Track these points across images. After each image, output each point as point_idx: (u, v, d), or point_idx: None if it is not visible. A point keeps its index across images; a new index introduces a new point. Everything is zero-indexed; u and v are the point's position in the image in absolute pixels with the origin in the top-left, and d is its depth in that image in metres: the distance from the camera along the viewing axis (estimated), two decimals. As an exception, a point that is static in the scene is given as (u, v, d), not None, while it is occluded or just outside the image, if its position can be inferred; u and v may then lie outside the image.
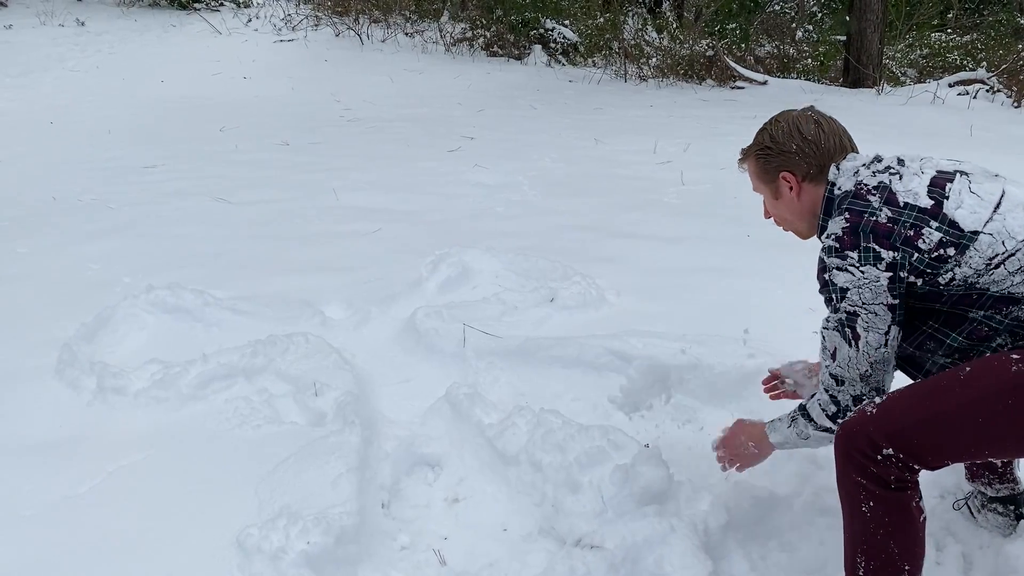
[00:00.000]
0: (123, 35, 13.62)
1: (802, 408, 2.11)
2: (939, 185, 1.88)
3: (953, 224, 1.82)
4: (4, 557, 2.23)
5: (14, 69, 11.39)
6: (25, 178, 6.56)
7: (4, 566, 2.21)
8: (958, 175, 1.91)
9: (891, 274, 1.84)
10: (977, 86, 9.99)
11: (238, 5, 15.57)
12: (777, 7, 15.28)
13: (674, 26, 13.17)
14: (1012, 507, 2.29)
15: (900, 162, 1.98)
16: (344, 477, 2.47)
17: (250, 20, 14.50)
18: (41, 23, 13.82)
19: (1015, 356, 1.76)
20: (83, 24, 13.78)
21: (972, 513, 2.37)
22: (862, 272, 1.85)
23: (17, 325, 3.67)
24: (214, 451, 2.69)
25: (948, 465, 1.92)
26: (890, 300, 1.87)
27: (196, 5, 15.17)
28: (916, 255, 1.82)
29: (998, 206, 1.83)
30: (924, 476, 1.90)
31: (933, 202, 1.85)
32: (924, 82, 11.10)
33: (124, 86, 10.80)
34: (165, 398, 2.97)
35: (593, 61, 12.71)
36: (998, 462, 2.25)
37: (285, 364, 3.25)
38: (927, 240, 1.82)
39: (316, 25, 14.06)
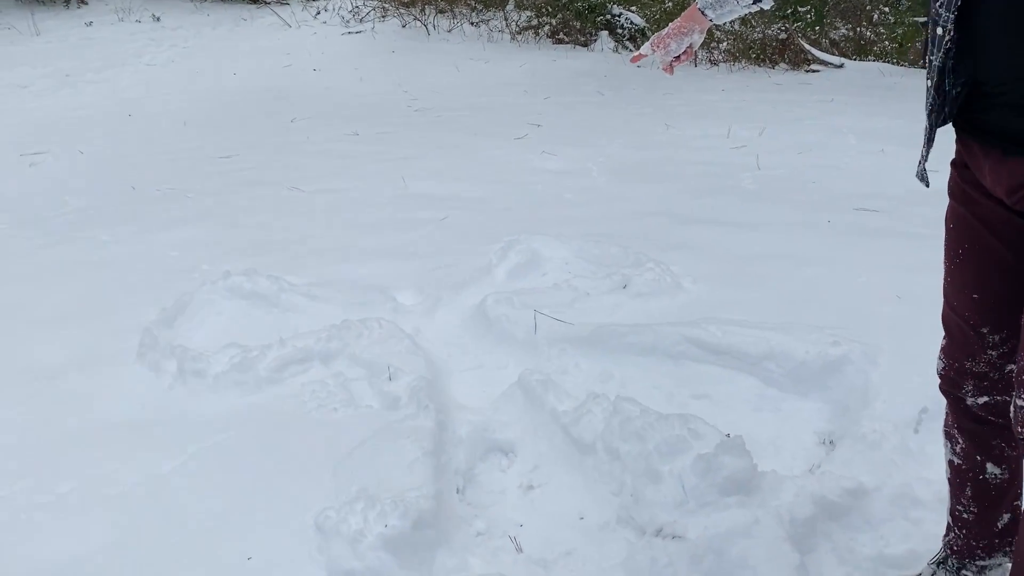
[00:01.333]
0: (197, 29, 13.91)
1: None
2: None
3: None
4: (91, 535, 2.29)
5: (95, 64, 11.74)
6: (105, 169, 6.75)
7: (91, 543, 2.26)
8: None
9: None
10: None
11: (307, -2, 15.78)
12: (852, -11, 14.79)
13: (745, 10, 12.83)
14: None
15: None
16: (420, 461, 2.47)
17: (319, 13, 14.65)
18: (119, 19, 14.21)
19: None
20: (158, 19, 14.12)
21: None
22: None
23: (100, 310, 3.77)
24: (292, 433, 2.71)
25: None
26: None
27: (266, -1, 15.43)
28: None
29: None
30: None
31: None
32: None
33: (198, 79, 11.02)
34: (243, 381, 3.02)
35: (661, 47, 12.45)
36: None
37: (359, 349, 3.26)
38: None
39: (383, 16, 14.13)
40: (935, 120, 1.67)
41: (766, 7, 2.15)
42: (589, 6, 12.74)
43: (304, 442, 2.65)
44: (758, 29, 11.45)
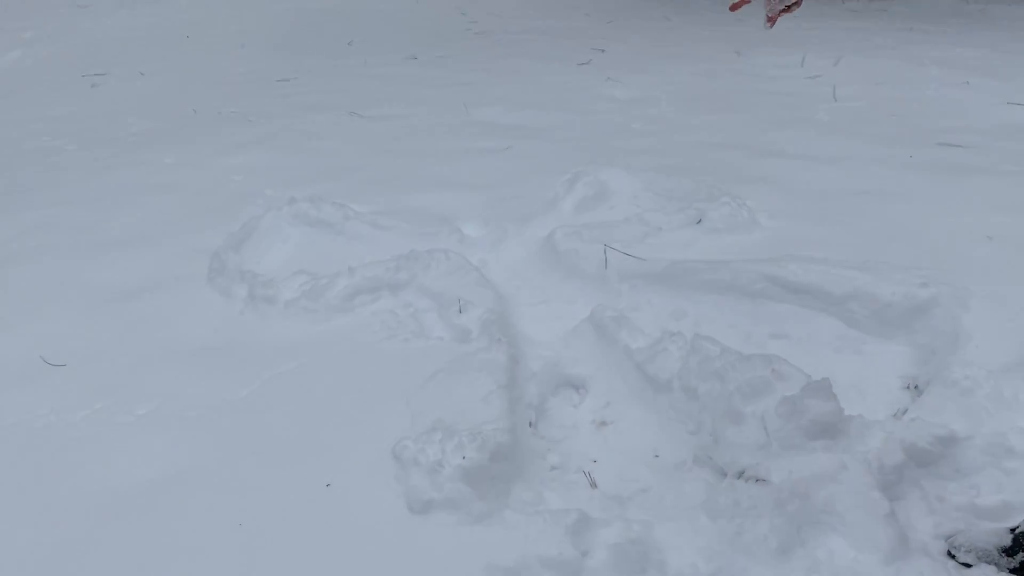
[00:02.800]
0: (252, -50, 13.73)
1: None
2: None
3: None
4: (169, 458, 2.31)
5: (152, -15, 11.68)
6: (167, 91, 6.74)
7: (169, 467, 2.28)
8: None
9: None
10: None
11: (362, -83, 15.38)
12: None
13: (818, -70, 12.20)
14: None
15: None
16: (495, 394, 2.43)
17: (373, -68, 14.32)
18: (174, -61, 14.08)
19: None
20: (214, -61, 13.95)
21: None
22: None
23: (169, 233, 3.78)
24: (364, 362, 2.70)
25: None
26: None
27: (321, -82, 15.08)
28: None
29: None
30: None
31: None
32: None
33: (255, 0, 10.91)
34: (314, 309, 3.00)
35: (728, -30, 11.93)
36: None
37: (428, 280, 3.22)
38: None
39: (439, -64, 13.75)
40: None
41: None
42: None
43: (376, 372, 2.63)
44: (833, -49, 10.87)
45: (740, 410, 2.28)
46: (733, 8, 2.07)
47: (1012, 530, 2.02)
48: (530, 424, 2.55)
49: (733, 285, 3.09)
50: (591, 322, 2.96)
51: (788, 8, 2.03)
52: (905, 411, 2.55)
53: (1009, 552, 1.99)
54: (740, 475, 2.14)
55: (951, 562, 2.00)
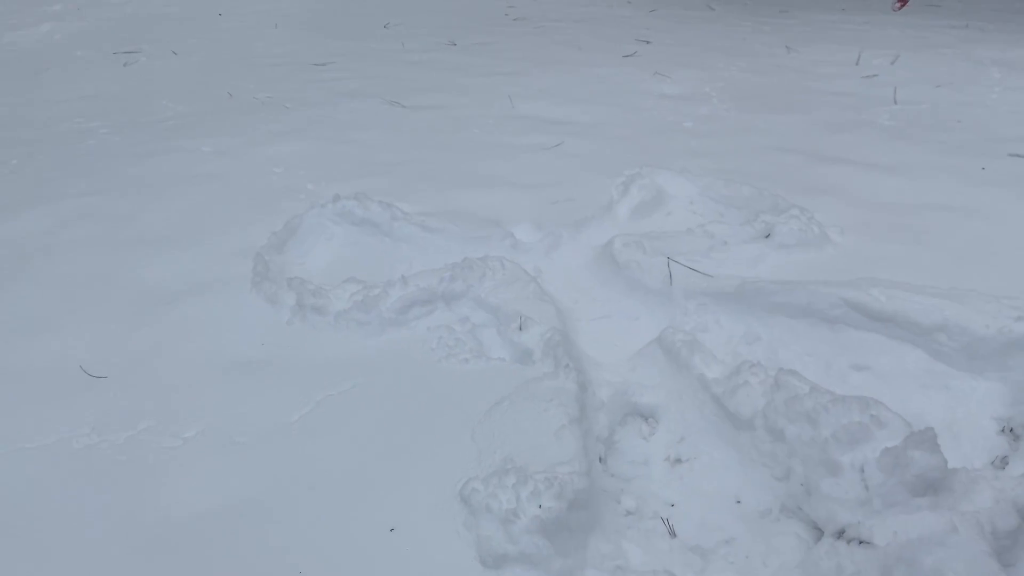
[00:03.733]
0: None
1: None
2: None
3: None
4: (221, 488, 2.16)
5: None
6: (200, 72, 6.58)
7: (220, 498, 2.13)
8: None
9: None
10: None
11: None
12: None
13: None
14: None
15: None
16: (567, 429, 2.27)
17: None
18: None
19: None
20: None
21: None
22: None
23: (211, 229, 3.62)
24: (423, 385, 2.53)
25: None
26: None
27: None
28: None
29: None
30: None
31: None
32: None
33: (286, -22, 10.72)
34: (366, 321, 2.84)
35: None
36: None
37: (484, 291, 3.05)
38: None
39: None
40: None
41: None
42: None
43: (437, 396, 2.47)
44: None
45: (837, 460, 2.10)
46: (899, 5, 1.88)
47: None
48: (600, 459, 2.38)
49: (810, 309, 2.90)
50: (660, 345, 2.79)
51: None
52: (1005, 460, 2.37)
53: None
54: (840, 535, 1.97)
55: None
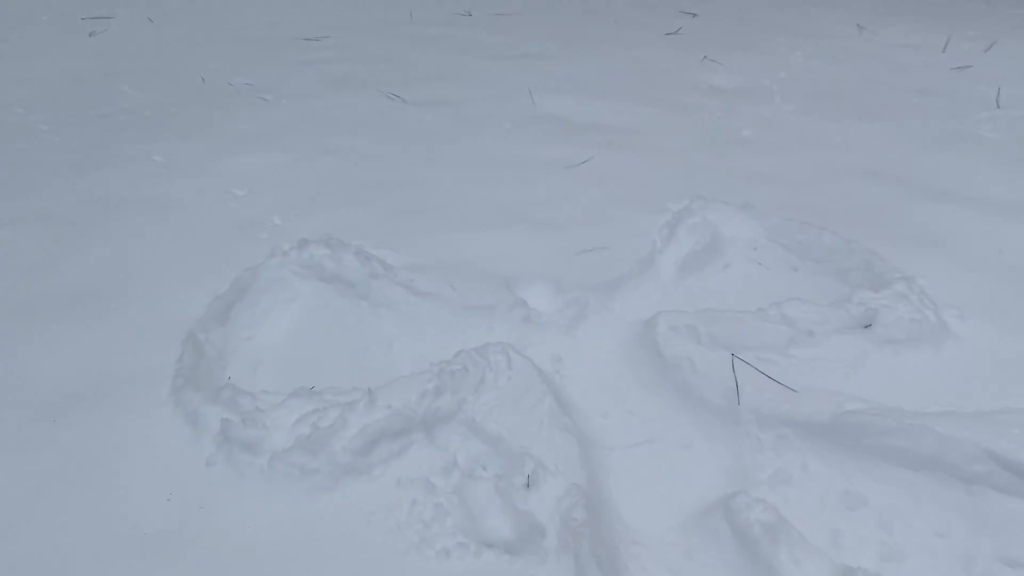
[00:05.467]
0: None
1: None
2: None
3: None
4: None
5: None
6: (174, 47, 5.71)
7: None
8: None
9: None
10: None
11: None
12: None
13: None
14: None
15: None
16: None
17: None
18: None
19: None
20: None
21: None
22: None
23: (137, 288, 2.81)
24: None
25: None
26: None
27: None
28: None
29: None
30: None
31: None
32: None
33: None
34: (313, 469, 2.03)
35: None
36: None
37: (480, 411, 2.23)
38: None
39: None
40: None
41: None
42: None
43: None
44: None
45: None
46: None
47: None
48: None
49: (939, 462, 2.05)
50: (727, 518, 1.96)
51: None
52: None
53: None
54: None
55: None
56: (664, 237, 3.16)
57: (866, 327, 2.52)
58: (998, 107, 4.42)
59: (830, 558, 1.83)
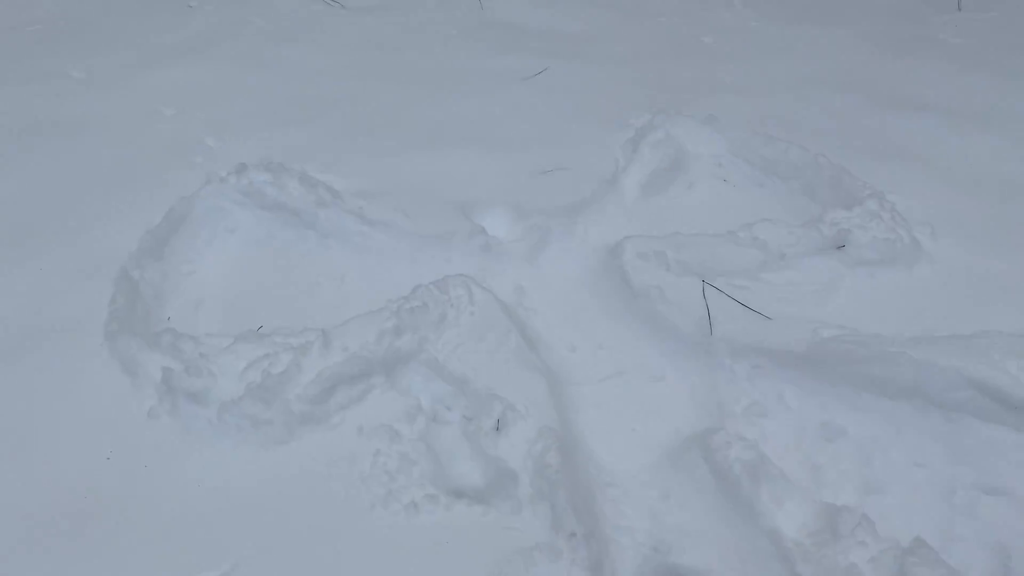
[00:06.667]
0: None
1: None
2: None
3: None
4: None
5: None
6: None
7: None
8: None
9: None
10: None
11: None
12: None
13: None
14: None
15: None
16: None
17: None
18: None
19: None
20: None
21: None
22: None
23: (60, 225, 2.56)
24: (340, 564, 1.61)
25: None
26: None
27: None
28: None
29: None
30: None
31: None
32: None
33: None
34: (266, 420, 1.88)
35: None
36: None
37: (443, 350, 2.11)
38: None
39: None
40: None
41: None
42: None
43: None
44: None
45: None
46: None
47: None
48: None
49: (918, 390, 2.00)
50: (703, 455, 1.89)
51: None
52: None
53: None
54: None
55: None
56: (627, 155, 3.01)
57: (839, 248, 2.43)
58: (959, 9, 4.30)
59: (812, 496, 1.78)
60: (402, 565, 1.59)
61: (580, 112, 3.26)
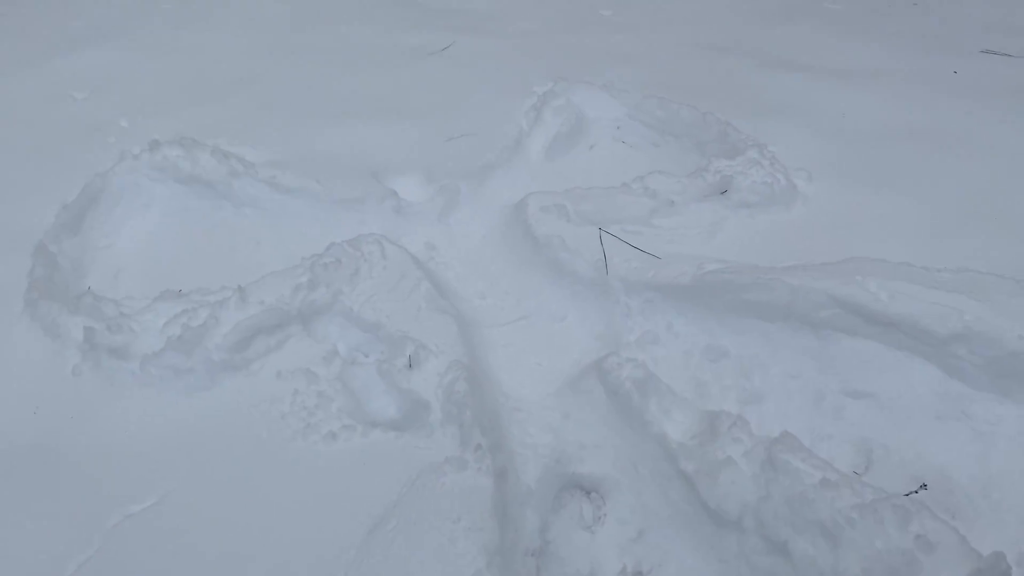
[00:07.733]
0: None
1: None
2: None
3: None
4: None
5: None
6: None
7: None
8: None
9: None
10: None
11: None
12: None
13: None
14: None
15: None
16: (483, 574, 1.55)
17: None
18: None
19: None
20: None
21: None
22: None
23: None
24: (267, 492, 1.74)
25: None
26: None
27: None
28: None
29: None
30: None
31: None
32: None
33: None
34: (187, 368, 1.99)
35: None
36: None
37: (357, 301, 2.23)
38: None
39: None
40: None
41: None
42: None
43: (286, 515, 1.69)
44: None
45: (873, 611, 1.47)
46: None
47: None
48: (538, 572, 1.70)
49: (791, 311, 2.21)
50: (600, 378, 2.06)
51: None
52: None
53: None
54: None
55: None
56: (531, 120, 3.17)
57: (723, 193, 2.64)
58: (841, -21, 4.58)
59: (696, 406, 1.97)
60: (322, 485, 1.72)
61: (485, 82, 3.40)
